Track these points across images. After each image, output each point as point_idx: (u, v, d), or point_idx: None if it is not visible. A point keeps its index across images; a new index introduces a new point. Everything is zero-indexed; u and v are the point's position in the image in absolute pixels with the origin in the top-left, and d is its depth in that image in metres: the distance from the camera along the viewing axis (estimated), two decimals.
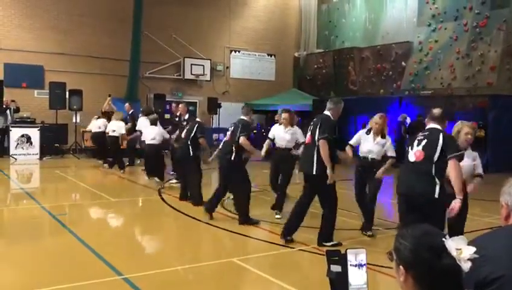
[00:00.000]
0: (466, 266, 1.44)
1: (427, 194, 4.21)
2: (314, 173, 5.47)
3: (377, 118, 6.31)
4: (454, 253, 1.45)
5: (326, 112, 5.69)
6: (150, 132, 10.33)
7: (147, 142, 10.33)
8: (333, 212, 5.63)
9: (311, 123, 5.74)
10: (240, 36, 21.12)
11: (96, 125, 13.37)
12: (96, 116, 14.17)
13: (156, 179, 10.18)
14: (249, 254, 5.58)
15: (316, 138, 5.49)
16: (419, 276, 1.49)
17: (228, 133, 7.40)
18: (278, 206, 7.37)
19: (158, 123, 10.54)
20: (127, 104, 14.04)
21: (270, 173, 7.90)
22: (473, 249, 1.45)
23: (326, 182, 5.45)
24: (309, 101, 18.90)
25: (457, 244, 1.47)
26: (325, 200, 5.65)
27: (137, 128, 12.14)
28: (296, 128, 7.72)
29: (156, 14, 18.33)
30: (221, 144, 8.02)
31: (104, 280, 4.43)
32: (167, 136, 10.41)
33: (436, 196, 4.20)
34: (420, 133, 4.55)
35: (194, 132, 8.15)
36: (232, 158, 6.84)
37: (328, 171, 5.39)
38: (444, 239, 1.49)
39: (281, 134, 7.62)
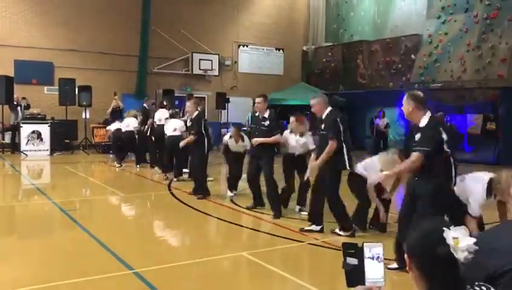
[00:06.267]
0: (461, 255, 1.44)
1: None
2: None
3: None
4: (450, 242, 1.45)
5: None
6: (171, 124, 10.37)
7: (168, 134, 10.31)
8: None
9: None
10: (248, 30, 21.06)
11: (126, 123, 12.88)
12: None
13: (169, 175, 10.15)
14: (259, 248, 5.59)
15: None
16: (419, 264, 1.52)
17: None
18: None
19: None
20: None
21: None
22: (473, 240, 1.45)
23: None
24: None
25: (456, 233, 1.46)
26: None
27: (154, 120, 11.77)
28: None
29: (165, 9, 18.35)
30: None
31: (115, 274, 4.46)
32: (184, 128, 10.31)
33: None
34: None
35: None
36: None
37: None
38: (445, 228, 1.49)
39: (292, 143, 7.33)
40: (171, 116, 10.93)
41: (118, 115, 16.43)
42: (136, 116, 12.72)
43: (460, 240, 1.45)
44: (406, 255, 1.56)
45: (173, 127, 10.28)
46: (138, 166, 12.17)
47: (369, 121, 17.59)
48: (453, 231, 1.48)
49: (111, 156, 12.98)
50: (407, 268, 1.57)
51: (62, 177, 11.25)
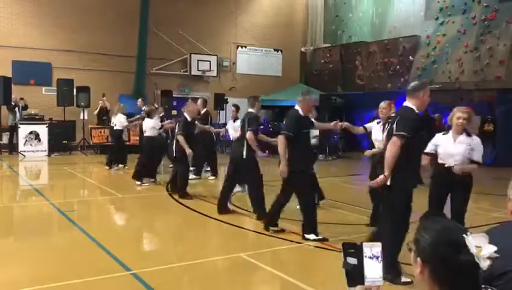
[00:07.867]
0: (484, 264, 1.43)
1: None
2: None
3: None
4: (473, 250, 1.44)
5: (296, 106, 5.85)
6: (144, 125, 10.02)
7: (144, 135, 10.05)
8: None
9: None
10: (247, 32, 21.08)
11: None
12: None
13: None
14: (257, 249, 5.59)
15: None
16: (435, 270, 1.49)
17: (239, 128, 7.25)
18: None
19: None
20: (139, 100, 13.72)
21: None
22: (494, 247, 1.44)
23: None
24: (316, 96, 18.84)
25: (478, 241, 1.46)
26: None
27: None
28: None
29: (163, 10, 18.35)
30: (234, 140, 7.74)
31: (113, 275, 4.46)
32: (158, 126, 9.97)
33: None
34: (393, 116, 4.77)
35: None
36: (245, 156, 6.77)
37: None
38: (464, 235, 1.47)
39: None
40: (147, 113, 10.10)
41: (105, 115, 16.43)
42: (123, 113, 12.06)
43: (483, 249, 1.44)
44: (417, 258, 1.53)
45: (144, 127, 9.93)
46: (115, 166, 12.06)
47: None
48: (474, 239, 1.46)
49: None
50: (417, 271, 1.53)
51: (60, 178, 11.23)
